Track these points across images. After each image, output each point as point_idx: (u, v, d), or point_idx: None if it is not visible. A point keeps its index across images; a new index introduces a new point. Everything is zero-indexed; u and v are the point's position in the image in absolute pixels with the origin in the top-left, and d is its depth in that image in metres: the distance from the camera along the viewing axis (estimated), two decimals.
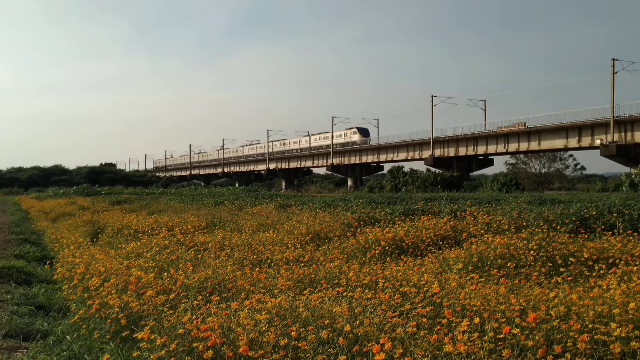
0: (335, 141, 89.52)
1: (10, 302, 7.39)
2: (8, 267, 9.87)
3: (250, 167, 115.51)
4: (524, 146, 61.86)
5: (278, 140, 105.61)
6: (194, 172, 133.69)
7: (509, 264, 6.99)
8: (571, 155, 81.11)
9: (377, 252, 8.54)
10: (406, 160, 77.99)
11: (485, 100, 73.89)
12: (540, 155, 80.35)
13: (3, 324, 6.18)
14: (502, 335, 3.86)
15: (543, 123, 58.96)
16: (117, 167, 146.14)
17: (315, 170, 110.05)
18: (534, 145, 60.80)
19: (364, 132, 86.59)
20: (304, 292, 5.28)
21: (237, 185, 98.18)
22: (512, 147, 63.06)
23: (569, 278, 6.12)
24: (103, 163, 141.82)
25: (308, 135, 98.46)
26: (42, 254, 12.37)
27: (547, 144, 59.30)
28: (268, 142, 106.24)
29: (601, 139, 52.42)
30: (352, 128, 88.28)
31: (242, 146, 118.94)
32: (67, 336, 5.75)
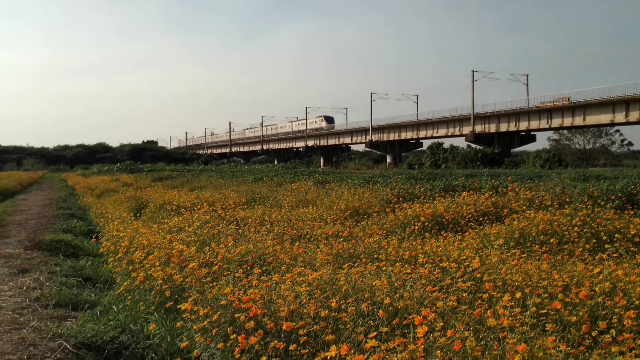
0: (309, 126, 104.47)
1: (59, 273, 7.64)
2: (57, 240, 10.20)
3: (289, 145, 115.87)
4: (567, 121, 60.28)
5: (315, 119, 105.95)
6: (234, 149, 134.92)
7: (551, 240, 6.87)
8: (618, 131, 78.88)
9: (416, 227, 8.50)
10: (446, 136, 77.02)
11: (527, 75, 72.26)
12: (584, 130, 78.28)
13: (53, 294, 6.40)
14: (545, 311, 3.81)
15: (588, 97, 57.28)
16: (159, 145, 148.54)
17: (353, 147, 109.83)
18: (578, 121, 59.18)
19: (329, 120, 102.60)
20: (343, 266, 5.31)
21: (275, 162, 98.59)
22: (556, 122, 61.53)
23: (614, 255, 5.99)
24: (145, 141, 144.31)
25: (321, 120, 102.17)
26: (88, 229, 12.73)
27: (593, 119, 57.64)
28: (307, 119, 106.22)
29: None
30: (320, 116, 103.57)
31: (282, 124, 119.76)
32: (114, 307, 5.93)
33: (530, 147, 78.95)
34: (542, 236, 7.14)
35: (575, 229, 7.25)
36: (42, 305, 6.03)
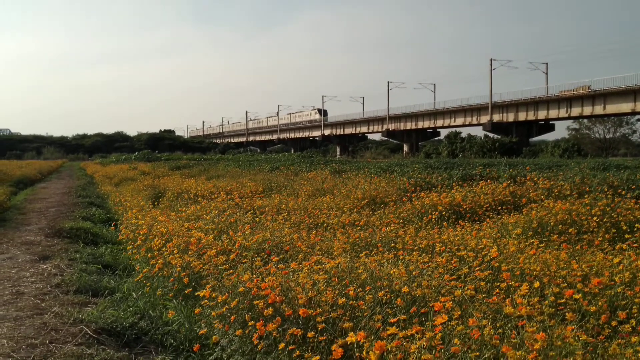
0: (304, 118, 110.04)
1: (79, 260, 7.75)
2: (76, 228, 10.33)
3: (305, 134, 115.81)
4: (587, 110, 59.48)
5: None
6: (250, 138, 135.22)
7: (570, 229, 6.81)
8: (639, 120, 77.62)
9: (433, 216, 8.47)
10: (463, 125, 76.40)
11: (547, 63, 71.36)
12: (605, 119, 77.25)
13: (74, 280, 6.50)
14: (563, 300, 3.78)
15: (609, 86, 56.39)
16: (176, 134, 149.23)
17: (370, 137, 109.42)
18: (598, 110, 58.36)
19: (322, 112, 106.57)
20: (360, 255, 5.31)
21: (292, 151, 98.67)
22: (575, 111, 60.76)
23: (634, 245, 5.92)
24: (162, 130, 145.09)
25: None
26: (107, 217, 12.87)
27: (613, 107, 56.79)
28: (323, 108, 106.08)
29: None
30: (314, 109, 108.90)
31: (291, 113, 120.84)
32: (133, 293, 6.00)
33: (548, 137, 78.07)
34: (560, 226, 7.08)
35: (595, 218, 7.18)
36: (63, 292, 6.12)
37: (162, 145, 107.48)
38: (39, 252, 8.49)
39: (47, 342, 4.49)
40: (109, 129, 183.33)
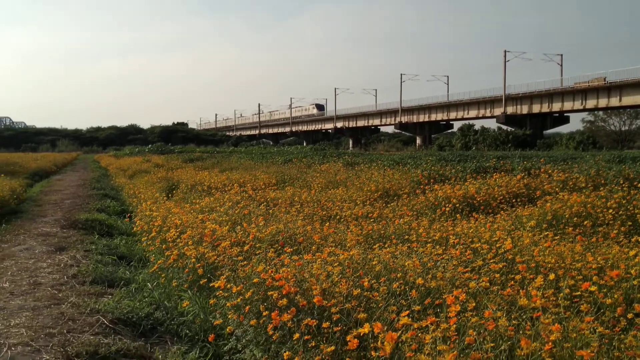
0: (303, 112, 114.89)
1: (95, 252, 7.83)
2: (92, 220, 10.44)
3: (318, 126, 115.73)
4: (603, 102, 58.85)
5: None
6: (263, 131, 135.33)
7: (585, 222, 6.77)
8: None
9: (447, 209, 8.45)
10: (477, 118, 75.95)
11: (562, 55, 70.66)
12: (620, 112, 76.36)
13: (90, 271, 6.57)
14: (579, 293, 3.77)
15: (625, 77, 55.73)
16: (189, 126, 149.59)
17: (382, 129, 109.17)
18: (614, 102, 57.72)
19: (320, 107, 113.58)
20: (374, 246, 5.31)
21: (304, 144, 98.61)
22: (590, 103, 60.15)
23: None
24: (175, 122, 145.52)
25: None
26: (122, 208, 12.98)
27: (629, 99, 56.13)
28: (335, 100, 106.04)
29: None
30: (312, 104, 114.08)
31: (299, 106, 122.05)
32: (148, 284, 6.06)
33: (563, 129, 77.31)
34: (575, 218, 7.04)
35: (610, 211, 7.13)
36: (79, 282, 6.20)
37: (175, 137, 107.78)
38: (55, 244, 8.58)
39: (65, 331, 4.55)
40: (122, 122, 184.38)
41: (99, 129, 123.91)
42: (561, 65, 71.12)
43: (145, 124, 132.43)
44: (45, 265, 7.10)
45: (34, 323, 4.78)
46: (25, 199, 15.32)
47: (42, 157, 43.69)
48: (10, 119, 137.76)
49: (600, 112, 77.56)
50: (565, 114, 67.53)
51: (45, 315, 5.02)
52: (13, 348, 4.21)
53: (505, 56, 69.25)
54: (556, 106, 63.81)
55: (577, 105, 61.46)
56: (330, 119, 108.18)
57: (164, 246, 6.40)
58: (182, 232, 6.45)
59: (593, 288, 3.66)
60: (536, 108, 65.88)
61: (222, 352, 4.15)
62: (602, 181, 10.64)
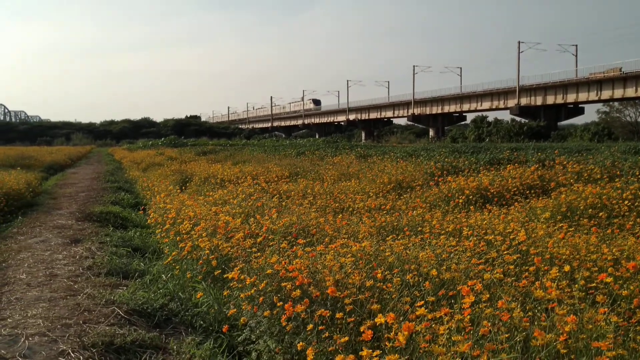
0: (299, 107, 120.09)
1: (110, 244, 7.89)
2: (106, 212, 10.52)
3: (330, 119, 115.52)
4: (618, 93, 58.15)
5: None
6: (275, 124, 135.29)
7: (600, 214, 6.72)
8: None
9: (460, 201, 8.42)
10: (490, 109, 75.39)
11: (576, 46, 69.86)
12: (636, 102, 75.37)
13: (105, 263, 6.63)
14: (594, 284, 3.74)
15: None
16: (201, 119, 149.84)
17: (395, 121, 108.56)
18: (630, 92, 56.99)
19: (316, 102, 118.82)
20: (387, 238, 5.31)
21: (317, 136, 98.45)
22: (606, 94, 59.46)
23: None
24: (188, 115, 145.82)
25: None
26: (136, 201, 13.06)
27: None
28: (348, 92, 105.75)
29: None
30: (310, 99, 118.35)
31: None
32: (162, 275, 6.10)
33: (577, 120, 76.54)
34: (590, 210, 6.99)
35: (626, 202, 7.06)
36: (94, 274, 6.25)
37: (188, 131, 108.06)
38: (71, 236, 8.67)
39: (81, 322, 4.60)
40: (135, 115, 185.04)
41: (112, 122, 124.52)
42: (576, 56, 70.34)
43: (158, 118, 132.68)
44: (61, 257, 7.17)
45: (51, 314, 4.83)
46: (41, 192, 15.47)
47: (57, 150, 44.05)
48: (25, 113, 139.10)
49: (616, 103, 76.60)
50: (580, 105, 66.83)
51: (62, 306, 5.07)
52: (30, 338, 4.26)
53: (519, 47, 68.63)
54: (571, 97, 63.17)
55: (592, 96, 60.79)
56: (342, 111, 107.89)
57: (177, 238, 6.43)
58: (196, 224, 6.48)
59: (609, 279, 3.64)
60: (550, 99, 65.27)
61: (236, 342, 4.17)
62: (618, 172, 10.54)
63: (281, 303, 3.58)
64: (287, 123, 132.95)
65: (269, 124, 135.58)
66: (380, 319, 2.85)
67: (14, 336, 4.32)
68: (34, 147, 60.59)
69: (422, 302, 3.11)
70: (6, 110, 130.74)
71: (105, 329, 4.37)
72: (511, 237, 5.17)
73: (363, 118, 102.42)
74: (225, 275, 4.79)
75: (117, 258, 6.97)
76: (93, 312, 4.84)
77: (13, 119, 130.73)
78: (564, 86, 63.41)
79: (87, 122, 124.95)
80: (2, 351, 4.02)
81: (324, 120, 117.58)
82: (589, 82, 60.41)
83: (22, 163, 22.91)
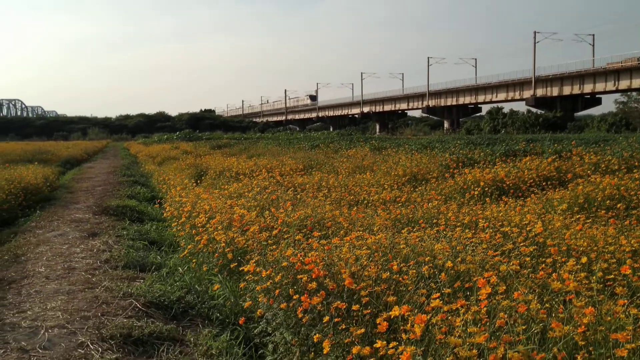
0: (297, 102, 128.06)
1: (126, 237, 7.96)
2: (122, 206, 10.61)
3: (344, 111, 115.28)
4: (636, 83, 57.32)
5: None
6: (289, 117, 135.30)
7: (618, 205, 6.63)
8: None
9: (476, 193, 8.37)
10: (505, 101, 74.74)
11: (593, 35, 69.01)
12: None
13: (122, 256, 6.69)
14: (612, 276, 3.71)
15: None
16: (216, 113, 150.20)
17: (410, 113, 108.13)
18: None
19: (313, 97, 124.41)
20: (402, 230, 5.30)
21: (331, 129, 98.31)
22: (624, 84, 58.67)
23: None
24: (202, 109, 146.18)
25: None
26: (151, 195, 13.16)
27: None
28: (362, 85, 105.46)
29: None
30: (306, 95, 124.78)
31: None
32: (179, 268, 6.15)
33: (594, 111, 75.84)
34: (608, 201, 6.91)
35: None
36: (112, 267, 6.32)
37: (202, 124, 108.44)
38: (88, 229, 8.75)
39: (99, 314, 4.66)
40: (150, 110, 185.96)
41: (127, 117, 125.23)
42: (593, 46, 69.54)
43: (173, 112, 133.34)
44: (78, 251, 7.25)
45: (69, 306, 4.89)
46: (58, 186, 15.65)
47: (74, 145, 44.47)
48: (42, 108, 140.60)
49: (634, 93, 75.59)
50: (597, 96, 66.06)
51: (80, 299, 5.13)
52: (50, 330, 4.32)
53: (535, 37, 67.93)
54: (587, 87, 62.43)
55: (610, 86, 60.03)
56: (356, 104, 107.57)
57: (193, 231, 6.47)
58: (212, 217, 6.51)
59: (628, 271, 3.60)
60: (567, 90, 64.55)
61: (253, 334, 4.20)
62: (636, 163, 10.41)
63: (297, 295, 3.59)
64: (301, 116, 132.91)
65: (283, 117, 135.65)
66: (396, 311, 2.85)
67: (34, 328, 4.38)
68: (51, 142, 61.16)
69: (438, 294, 3.10)
70: (23, 106, 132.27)
71: (123, 321, 4.42)
72: (527, 228, 5.14)
73: (377, 110, 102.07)
74: (241, 268, 4.82)
75: (134, 251, 7.03)
76: (111, 305, 4.89)
77: (30, 115, 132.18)
78: (580, 76, 62.67)
79: (103, 117, 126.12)
80: (23, 343, 4.08)
81: (338, 113, 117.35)
82: (606, 72, 59.66)
83: (39, 158, 23.15)
